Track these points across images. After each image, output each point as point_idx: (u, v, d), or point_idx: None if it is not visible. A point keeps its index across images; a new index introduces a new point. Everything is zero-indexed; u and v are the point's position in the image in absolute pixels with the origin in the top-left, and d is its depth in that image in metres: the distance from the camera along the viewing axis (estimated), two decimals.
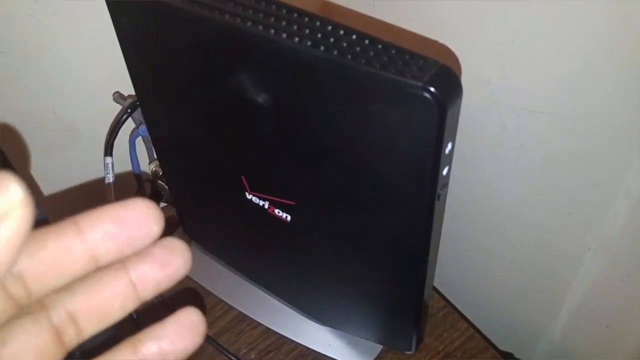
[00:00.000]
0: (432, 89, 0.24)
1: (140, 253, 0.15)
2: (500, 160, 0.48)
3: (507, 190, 0.50)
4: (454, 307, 0.55)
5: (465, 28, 0.44)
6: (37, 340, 0.14)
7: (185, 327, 0.15)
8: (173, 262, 0.15)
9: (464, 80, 0.26)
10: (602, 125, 0.39)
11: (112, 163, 0.46)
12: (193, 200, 0.47)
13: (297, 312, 0.49)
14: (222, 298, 0.52)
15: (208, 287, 0.53)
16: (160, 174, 0.53)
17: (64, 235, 0.14)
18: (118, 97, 0.50)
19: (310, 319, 0.49)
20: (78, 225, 0.14)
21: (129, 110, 0.46)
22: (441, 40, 0.45)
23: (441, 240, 0.33)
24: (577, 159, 0.43)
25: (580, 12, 0.36)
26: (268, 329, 0.51)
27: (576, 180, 0.44)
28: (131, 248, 0.15)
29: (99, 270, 0.15)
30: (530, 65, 0.42)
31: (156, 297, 0.16)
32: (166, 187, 0.52)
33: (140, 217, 0.15)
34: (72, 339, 0.15)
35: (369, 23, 0.47)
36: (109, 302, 0.15)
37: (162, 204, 0.62)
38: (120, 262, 0.15)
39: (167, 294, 0.18)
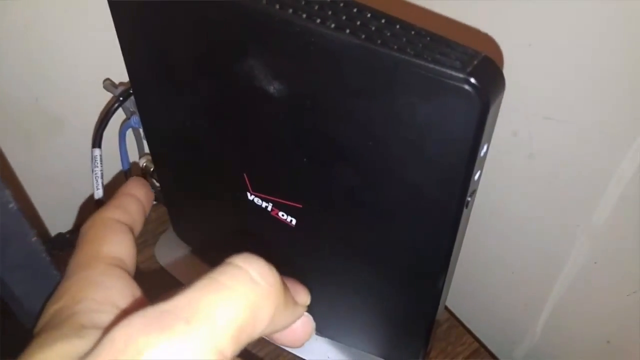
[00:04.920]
0: (475, 82, 0.21)
1: None
2: (509, 168, 0.46)
3: (514, 199, 0.47)
4: (458, 320, 0.52)
5: (477, 26, 0.42)
6: None
7: None
8: None
9: None
10: (619, 134, 0.37)
11: (101, 156, 0.42)
12: (187, 199, 0.43)
13: None
14: None
15: None
16: (152, 169, 0.49)
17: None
18: (109, 84, 0.46)
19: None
20: None
21: (120, 99, 0.42)
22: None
23: None
24: (588, 169, 0.40)
25: (604, 15, 0.34)
26: (263, 339, 0.47)
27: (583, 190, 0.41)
28: None
29: None
30: (546, 70, 0.39)
31: None
32: (157, 184, 0.49)
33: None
34: None
35: (399, 7, 0.44)
36: None
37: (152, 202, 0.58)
38: None
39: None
